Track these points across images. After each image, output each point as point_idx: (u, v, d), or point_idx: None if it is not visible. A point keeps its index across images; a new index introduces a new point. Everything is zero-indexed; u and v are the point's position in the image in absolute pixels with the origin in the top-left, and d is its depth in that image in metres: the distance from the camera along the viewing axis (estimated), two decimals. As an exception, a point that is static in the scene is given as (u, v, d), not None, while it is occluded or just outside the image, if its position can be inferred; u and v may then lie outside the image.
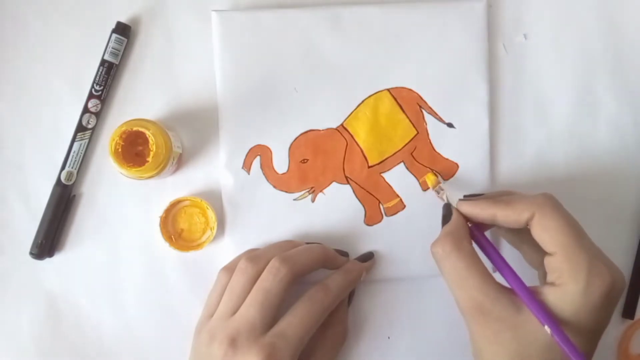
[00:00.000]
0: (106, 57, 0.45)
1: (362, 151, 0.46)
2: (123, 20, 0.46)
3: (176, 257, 0.46)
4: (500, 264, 0.38)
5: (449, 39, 0.46)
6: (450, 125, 0.46)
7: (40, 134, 0.46)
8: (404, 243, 0.46)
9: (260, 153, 0.46)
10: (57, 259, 0.46)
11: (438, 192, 0.44)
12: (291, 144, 0.46)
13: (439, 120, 0.46)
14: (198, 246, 0.46)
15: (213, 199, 0.46)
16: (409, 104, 0.46)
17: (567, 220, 0.36)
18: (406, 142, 0.46)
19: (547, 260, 0.36)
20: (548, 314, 0.34)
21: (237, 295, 0.40)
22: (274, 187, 0.46)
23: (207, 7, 0.46)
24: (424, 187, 0.46)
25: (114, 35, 0.45)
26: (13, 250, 0.46)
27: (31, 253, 0.45)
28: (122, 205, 0.46)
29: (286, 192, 0.46)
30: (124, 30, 0.45)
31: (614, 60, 0.48)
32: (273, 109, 0.46)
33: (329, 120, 0.46)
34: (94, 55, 0.45)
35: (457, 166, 0.46)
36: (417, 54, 0.46)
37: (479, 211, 0.39)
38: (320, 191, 0.46)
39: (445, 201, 0.42)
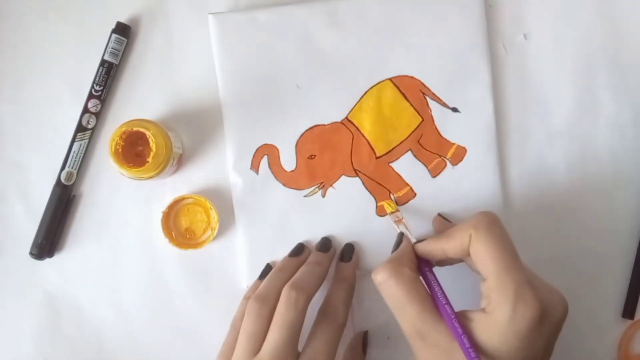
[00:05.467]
0: (106, 58, 0.45)
1: (368, 142, 0.46)
2: (123, 20, 0.46)
3: (176, 257, 0.46)
4: (438, 297, 0.37)
5: (448, 23, 0.46)
6: (455, 109, 0.46)
7: (40, 134, 0.46)
8: (417, 231, 0.46)
9: (267, 152, 0.46)
10: (57, 259, 0.46)
11: (394, 220, 0.44)
12: (297, 141, 0.46)
13: (444, 106, 0.46)
14: (197, 245, 0.46)
15: (214, 199, 0.46)
16: (412, 91, 0.46)
17: (499, 244, 0.35)
18: (412, 130, 0.46)
19: (481, 285, 0.36)
20: (469, 346, 0.34)
21: (257, 337, 0.39)
22: (284, 185, 0.46)
23: (206, 7, 0.46)
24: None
25: (114, 36, 0.45)
26: (13, 250, 0.46)
27: (31, 253, 0.45)
28: (122, 205, 0.46)
29: (296, 189, 0.46)
30: (124, 31, 0.45)
31: (614, 60, 0.48)
32: (277, 107, 0.46)
33: (333, 114, 0.46)
34: (94, 55, 0.45)
35: (465, 150, 0.46)
36: (416, 41, 0.46)
37: (430, 250, 0.39)
38: (330, 186, 0.46)
39: (399, 230, 0.42)
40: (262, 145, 0.46)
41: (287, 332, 0.38)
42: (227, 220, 0.46)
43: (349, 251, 0.45)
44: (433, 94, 0.46)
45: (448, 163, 0.46)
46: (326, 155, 0.46)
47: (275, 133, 0.46)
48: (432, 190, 0.46)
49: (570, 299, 0.37)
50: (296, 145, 0.46)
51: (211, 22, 0.45)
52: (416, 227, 0.45)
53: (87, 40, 0.46)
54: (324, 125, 0.46)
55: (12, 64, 0.46)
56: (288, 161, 0.46)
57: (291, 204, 0.46)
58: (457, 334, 0.34)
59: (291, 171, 0.46)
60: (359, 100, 0.46)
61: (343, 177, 0.46)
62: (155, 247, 0.46)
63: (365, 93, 0.46)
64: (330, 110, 0.46)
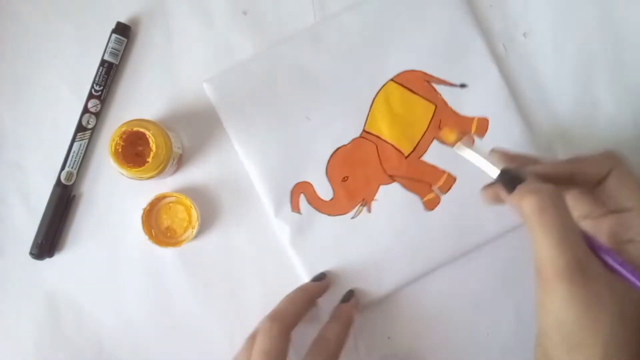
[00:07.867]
0: (106, 58, 0.45)
1: (393, 146, 0.46)
2: (123, 20, 0.46)
3: (176, 257, 0.46)
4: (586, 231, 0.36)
5: (429, 7, 0.46)
6: (463, 85, 0.46)
7: (40, 134, 0.46)
8: (472, 210, 0.46)
9: (302, 190, 0.46)
10: (57, 259, 0.46)
11: (462, 150, 0.39)
12: (326, 169, 0.46)
13: (451, 86, 0.46)
14: (177, 243, 0.46)
15: (207, 198, 0.46)
16: (417, 83, 0.46)
17: (636, 177, 0.37)
18: (429, 119, 0.46)
19: (624, 217, 0.36)
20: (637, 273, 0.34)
21: (275, 355, 0.39)
22: (329, 215, 0.46)
23: (206, 7, 0.46)
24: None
25: (114, 36, 0.45)
26: (13, 250, 0.46)
27: (31, 253, 0.46)
28: (122, 205, 0.46)
29: (342, 214, 0.46)
30: (123, 31, 0.45)
31: (613, 59, 0.48)
32: (295, 145, 0.46)
33: (350, 131, 0.46)
34: (94, 55, 0.45)
35: (487, 120, 0.46)
36: (404, 36, 0.46)
37: (552, 170, 0.37)
38: (373, 200, 0.46)
39: (493, 167, 0.37)
40: (295, 186, 0.46)
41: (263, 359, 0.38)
42: (214, 218, 0.46)
43: (349, 295, 0.46)
44: (437, 78, 0.46)
45: (475, 138, 0.46)
46: (358, 172, 0.46)
47: (303, 169, 0.46)
48: (471, 169, 0.41)
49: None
50: (326, 173, 0.46)
51: (207, 88, 0.46)
52: (469, 207, 0.45)
53: (87, 40, 0.46)
54: (345, 145, 0.46)
55: (12, 64, 0.46)
56: (325, 192, 0.46)
57: (342, 230, 0.46)
58: (624, 267, 0.34)
59: (331, 200, 0.46)
60: (370, 110, 0.46)
61: (381, 187, 0.46)
62: (155, 247, 0.46)
63: (373, 101, 0.46)
64: (346, 130, 0.46)
